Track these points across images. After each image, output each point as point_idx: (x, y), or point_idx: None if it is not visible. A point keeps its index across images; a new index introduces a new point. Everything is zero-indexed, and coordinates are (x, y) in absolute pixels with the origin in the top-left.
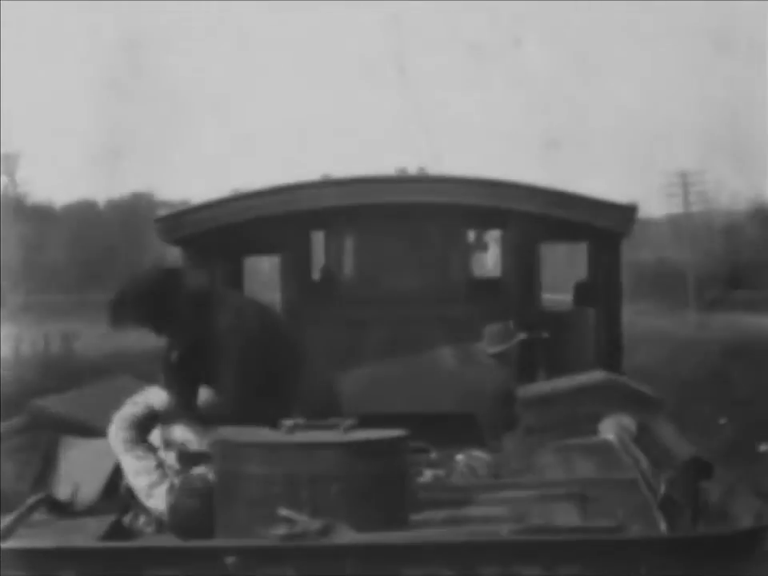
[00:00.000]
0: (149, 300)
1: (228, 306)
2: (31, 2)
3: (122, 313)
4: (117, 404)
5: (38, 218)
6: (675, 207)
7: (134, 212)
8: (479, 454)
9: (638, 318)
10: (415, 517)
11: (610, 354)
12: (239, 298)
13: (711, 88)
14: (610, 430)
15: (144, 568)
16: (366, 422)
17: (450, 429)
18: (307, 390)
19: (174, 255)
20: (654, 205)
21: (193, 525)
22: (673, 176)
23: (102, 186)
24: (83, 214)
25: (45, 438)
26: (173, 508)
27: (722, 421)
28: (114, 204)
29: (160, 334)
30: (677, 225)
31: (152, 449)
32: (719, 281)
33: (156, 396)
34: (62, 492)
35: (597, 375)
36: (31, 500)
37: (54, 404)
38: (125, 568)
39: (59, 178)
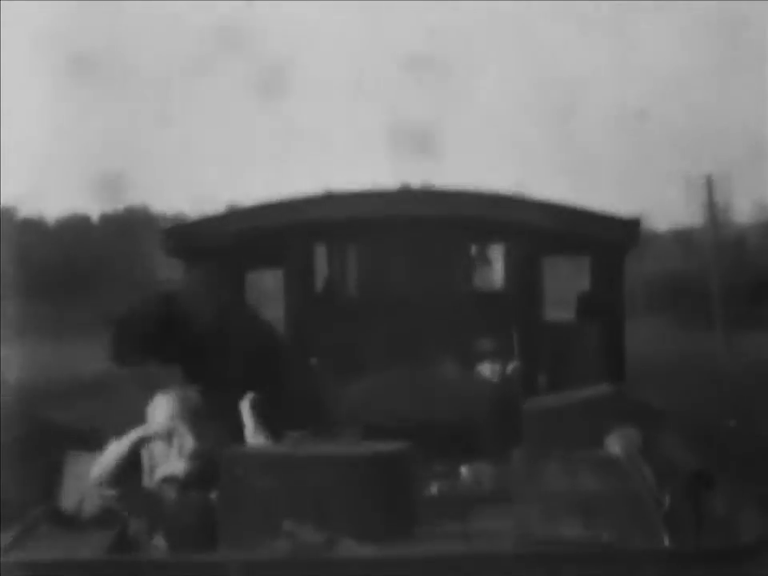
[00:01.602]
0: (153, 331)
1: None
2: (28, 2)
3: (125, 348)
4: (123, 416)
5: (29, 232)
6: (695, 216)
7: (128, 226)
8: (483, 467)
9: (655, 338)
10: (420, 529)
11: (614, 366)
12: (236, 313)
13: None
14: (616, 443)
15: None
16: (369, 432)
17: (452, 440)
18: (312, 401)
19: (173, 268)
20: (674, 212)
21: (189, 541)
22: (695, 181)
23: (95, 200)
24: (76, 228)
25: (50, 449)
26: (169, 524)
27: (732, 423)
28: (108, 218)
29: (167, 364)
30: (697, 234)
31: None
32: (742, 296)
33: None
34: (68, 504)
35: (603, 388)
36: (36, 512)
37: (59, 416)
38: None
39: (52, 192)
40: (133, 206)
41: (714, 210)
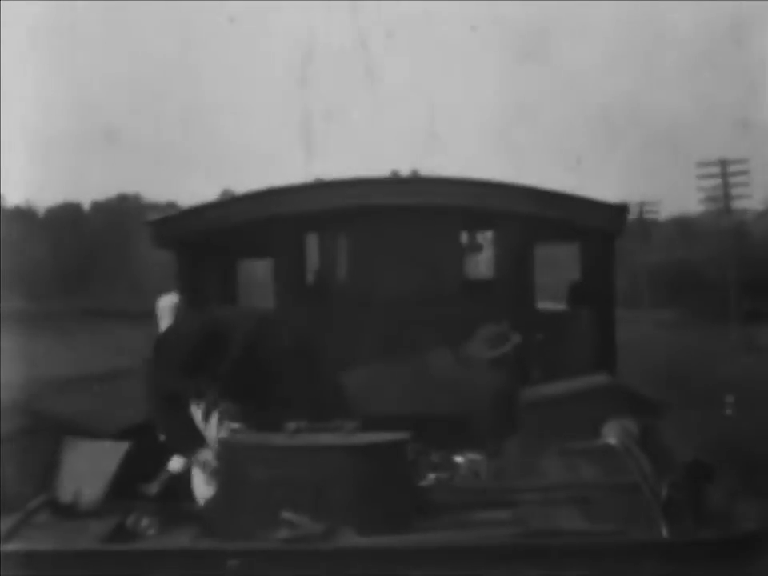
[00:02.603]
0: (194, 353)
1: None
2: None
3: (167, 375)
4: (120, 405)
5: (19, 221)
6: (713, 202)
7: (120, 214)
8: (477, 457)
9: (663, 333)
10: (419, 520)
11: (605, 355)
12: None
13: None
14: (612, 433)
15: (147, 570)
16: (365, 423)
17: (448, 431)
18: (311, 392)
19: (163, 258)
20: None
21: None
22: (709, 165)
23: (87, 188)
24: (68, 217)
25: (48, 439)
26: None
27: (729, 399)
28: (100, 206)
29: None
30: (708, 221)
31: None
32: (757, 288)
33: None
34: (65, 494)
35: (600, 379)
36: (34, 502)
37: (56, 406)
38: (128, 570)
39: (42, 180)
40: (125, 193)
41: (727, 196)
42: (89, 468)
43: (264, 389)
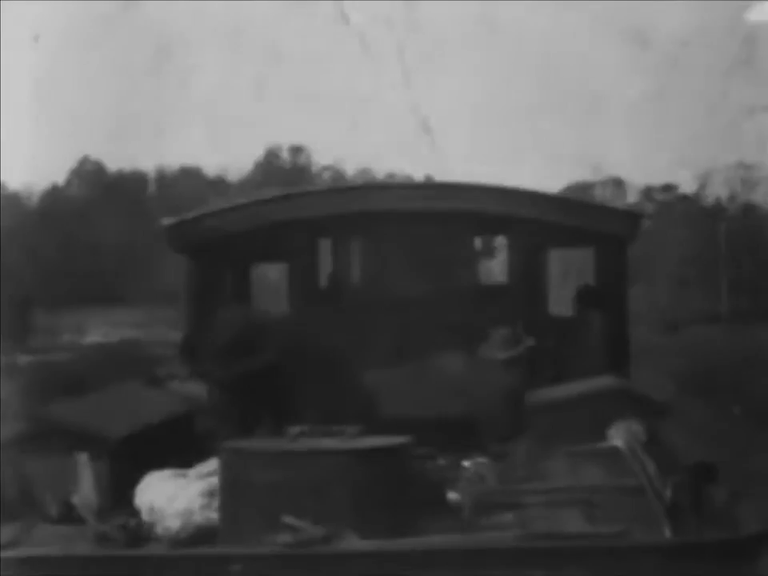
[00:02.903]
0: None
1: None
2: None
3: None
4: (125, 411)
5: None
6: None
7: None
8: (484, 460)
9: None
10: (423, 523)
11: (618, 358)
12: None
13: None
14: (619, 435)
15: (149, 575)
16: (374, 427)
17: (454, 434)
18: (328, 396)
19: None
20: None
21: None
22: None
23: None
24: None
25: (56, 445)
26: None
27: (736, 410)
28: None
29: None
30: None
31: None
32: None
33: None
34: (68, 500)
35: (606, 381)
36: (46, 508)
37: (62, 411)
38: (130, 575)
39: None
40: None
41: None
42: (89, 477)
43: (289, 393)
